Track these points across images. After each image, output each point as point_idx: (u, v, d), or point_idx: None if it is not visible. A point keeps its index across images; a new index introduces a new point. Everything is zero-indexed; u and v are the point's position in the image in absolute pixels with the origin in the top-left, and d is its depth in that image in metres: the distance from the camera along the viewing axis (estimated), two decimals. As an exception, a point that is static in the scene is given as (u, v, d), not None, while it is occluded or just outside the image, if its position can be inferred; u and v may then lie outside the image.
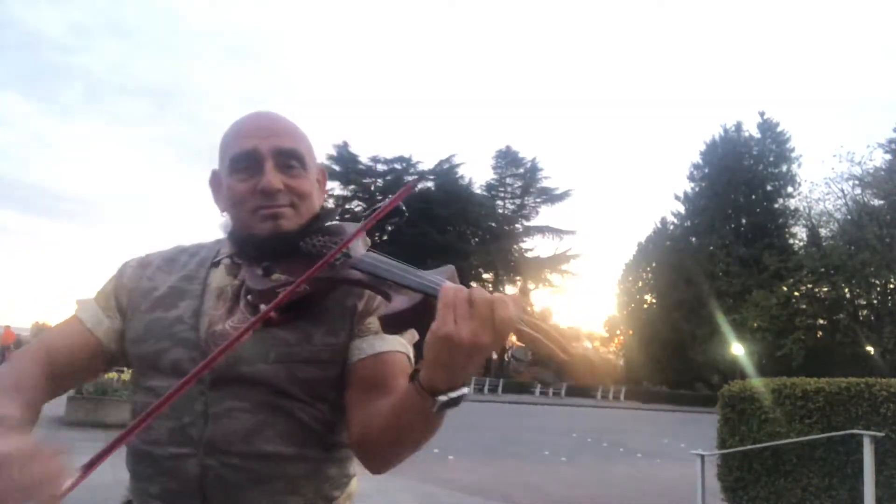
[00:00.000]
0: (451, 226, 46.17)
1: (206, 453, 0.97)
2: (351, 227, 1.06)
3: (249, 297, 1.04)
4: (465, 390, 0.83)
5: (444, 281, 0.84)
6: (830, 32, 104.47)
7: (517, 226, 50.29)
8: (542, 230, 49.80)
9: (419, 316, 0.83)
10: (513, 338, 0.80)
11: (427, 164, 47.66)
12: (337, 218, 1.14)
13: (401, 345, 1.06)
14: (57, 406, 11.16)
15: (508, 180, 50.45)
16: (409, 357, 1.07)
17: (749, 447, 5.95)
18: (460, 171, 48.49)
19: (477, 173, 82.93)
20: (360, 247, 1.00)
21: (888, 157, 35.18)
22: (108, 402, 10.72)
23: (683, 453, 10.22)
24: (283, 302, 0.88)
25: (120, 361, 1.13)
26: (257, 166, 1.04)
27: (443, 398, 0.82)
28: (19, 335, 29.21)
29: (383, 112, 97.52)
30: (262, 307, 0.96)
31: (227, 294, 1.08)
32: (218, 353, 0.81)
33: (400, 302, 0.87)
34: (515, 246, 49.79)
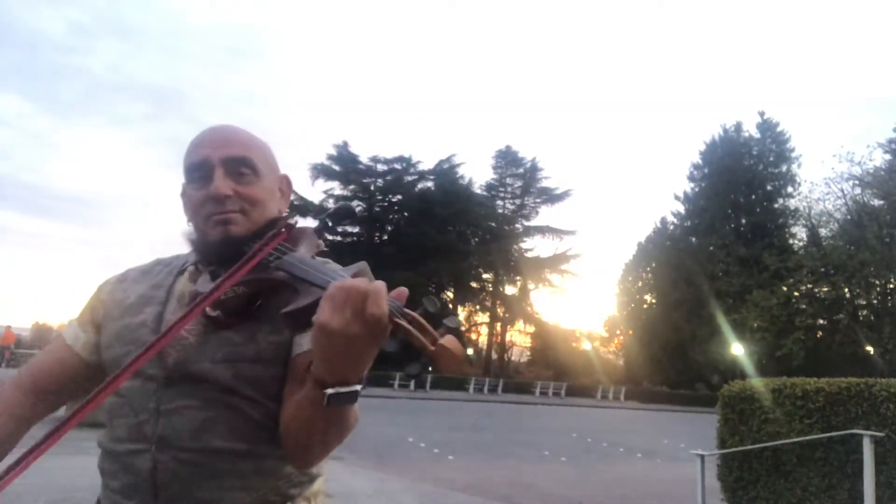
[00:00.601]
0: (451, 226, 46.13)
1: (158, 449, 1.02)
2: (306, 232, 1.10)
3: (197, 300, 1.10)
4: (357, 387, 0.85)
5: (344, 276, 0.86)
6: (830, 32, 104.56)
7: (517, 226, 50.26)
8: (542, 230, 49.77)
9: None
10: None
11: (427, 164, 47.63)
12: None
13: None
14: (57, 406, 11.14)
15: (508, 180, 50.40)
16: None
17: (749, 447, 5.95)
18: (460, 171, 48.46)
19: (477, 173, 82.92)
20: (302, 250, 1.03)
21: (888, 157, 35.18)
22: (108, 402, 10.72)
23: (683, 453, 10.23)
24: (213, 297, 0.93)
25: (104, 372, 1.17)
26: (209, 175, 1.09)
27: (330, 391, 0.83)
28: (19, 335, 29.22)
29: (383, 112, 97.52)
30: (208, 310, 1.02)
31: (185, 299, 1.14)
32: (149, 347, 0.88)
33: (302, 299, 0.90)
34: (515, 246, 49.74)
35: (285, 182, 1.22)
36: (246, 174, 1.11)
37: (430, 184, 47.62)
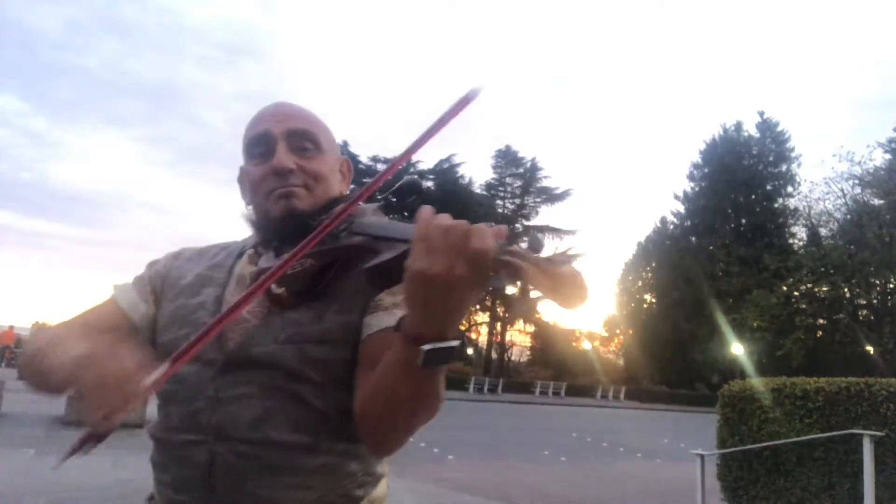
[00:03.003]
0: (451, 226, 46.14)
1: (215, 440, 0.95)
2: (369, 209, 1.04)
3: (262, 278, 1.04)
4: (453, 343, 0.75)
5: None
6: (830, 32, 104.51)
7: (517, 226, 50.27)
8: (542, 230, 49.74)
9: (403, 265, 0.74)
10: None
11: (427, 163, 47.62)
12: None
13: None
14: (57, 406, 11.15)
15: (508, 180, 50.42)
16: None
17: (749, 447, 5.96)
18: (460, 170, 48.39)
19: (477, 173, 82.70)
20: (373, 218, 0.98)
21: (888, 156, 35.17)
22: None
23: (683, 453, 10.21)
24: (283, 270, 0.83)
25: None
26: (271, 149, 1.05)
27: (427, 347, 0.74)
28: (20, 335, 29.20)
29: (383, 112, 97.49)
30: (273, 286, 0.93)
31: (245, 280, 1.07)
32: (221, 318, 0.81)
33: (385, 254, 0.83)
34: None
35: (346, 165, 1.16)
36: (309, 148, 1.07)
37: (430, 184, 47.63)
